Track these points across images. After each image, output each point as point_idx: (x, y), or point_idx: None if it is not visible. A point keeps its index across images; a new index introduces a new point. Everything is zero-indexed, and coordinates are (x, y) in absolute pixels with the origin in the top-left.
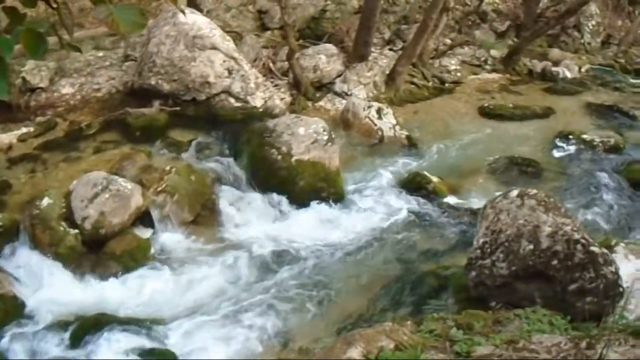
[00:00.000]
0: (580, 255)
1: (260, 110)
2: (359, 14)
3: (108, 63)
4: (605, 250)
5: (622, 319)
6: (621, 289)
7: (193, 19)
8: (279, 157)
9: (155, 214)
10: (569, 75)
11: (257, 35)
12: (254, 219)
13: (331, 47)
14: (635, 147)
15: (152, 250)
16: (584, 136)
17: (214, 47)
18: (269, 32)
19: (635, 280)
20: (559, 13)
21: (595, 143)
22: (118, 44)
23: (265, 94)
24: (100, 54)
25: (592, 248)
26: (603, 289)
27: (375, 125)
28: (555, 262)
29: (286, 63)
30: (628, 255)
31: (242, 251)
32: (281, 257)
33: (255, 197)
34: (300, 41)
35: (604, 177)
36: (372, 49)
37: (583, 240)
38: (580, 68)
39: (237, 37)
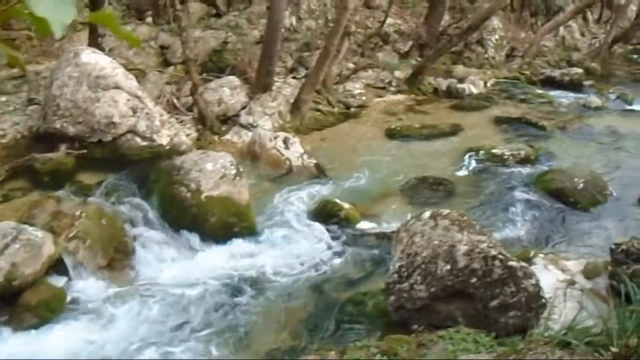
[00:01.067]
0: (498, 271)
1: (167, 147)
2: (261, 44)
3: (12, 108)
4: (524, 264)
5: (547, 330)
6: (544, 301)
7: (95, 59)
8: (189, 194)
9: (68, 261)
10: (474, 90)
11: (160, 72)
12: (168, 259)
13: (234, 79)
14: (546, 157)
15: (68, 299)
16: (494, 150)
17: (117, 87)
18: (172, 68)
19: (557, 290)
20: (461, 30)
21: (505, 156)
22: (21, 87)
23: (171, 131)
24: (3, 98)
25: (511, 263)
26: (525, 302)
27: (283, 155)
28: (474, 280)
29: (190, 98)
30: (547, 265)
31: (158, 293)
32: (197, 296)
33: (168, 237)
34: (204, 75)
35: (517, 189)
36: (276, 79)
37: (500, 256)
38: (485, 83)
39: (140, 75)
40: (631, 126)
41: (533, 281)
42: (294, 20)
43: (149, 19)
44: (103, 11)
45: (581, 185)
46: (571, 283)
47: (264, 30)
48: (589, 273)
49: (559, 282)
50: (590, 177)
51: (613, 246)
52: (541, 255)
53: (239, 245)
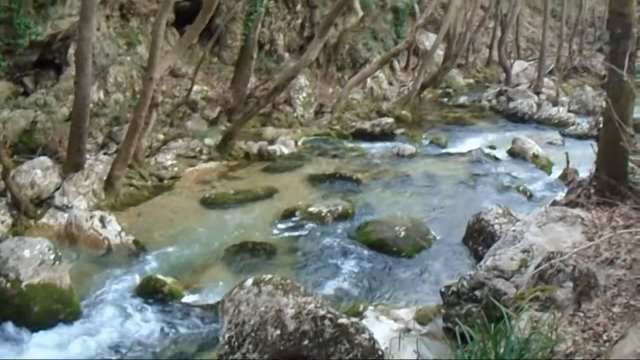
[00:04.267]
0: (329, 330)
1: None
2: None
3: None
4: (354, 319)
5: None
6: (380, 352)
7: None
8: (8, 284)
9: None
10: (286, 151)
11: None
12: None
13: (46, 160)
14: (364, 210)
15: None
16: (311, 209)
17: None
18: None
19: (392, 340)
20: (268, 91)
21: (323, 214)
22: None
23: None
24: None
25: (341, 320)
26: (361, 357)
27: (101, 235)
28: (306, 342)
29: (2, 183)
30: (379, 317)
31: None
32: None
33: None
34: (15, 157)
35: (338, 245)
36: (87, 156)
37: (329, 315)
38: (296, 142)
39: None
40: (447, 169)
41: (366, 335)
42: (101, 94)
43: None
44: None
45: (402, 233)
46: (406, 331)
47: (72, 107)
48: (422, 318)
49: (393, 331)
50: (411, 224)
51: (443, 289)
52: (371, 307)
53: (65, 331)
